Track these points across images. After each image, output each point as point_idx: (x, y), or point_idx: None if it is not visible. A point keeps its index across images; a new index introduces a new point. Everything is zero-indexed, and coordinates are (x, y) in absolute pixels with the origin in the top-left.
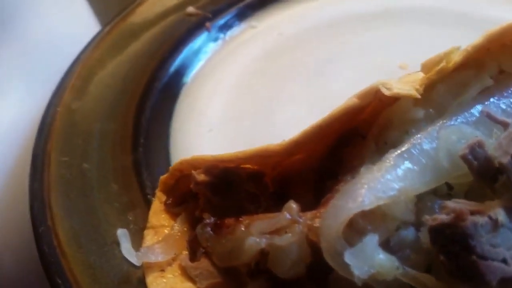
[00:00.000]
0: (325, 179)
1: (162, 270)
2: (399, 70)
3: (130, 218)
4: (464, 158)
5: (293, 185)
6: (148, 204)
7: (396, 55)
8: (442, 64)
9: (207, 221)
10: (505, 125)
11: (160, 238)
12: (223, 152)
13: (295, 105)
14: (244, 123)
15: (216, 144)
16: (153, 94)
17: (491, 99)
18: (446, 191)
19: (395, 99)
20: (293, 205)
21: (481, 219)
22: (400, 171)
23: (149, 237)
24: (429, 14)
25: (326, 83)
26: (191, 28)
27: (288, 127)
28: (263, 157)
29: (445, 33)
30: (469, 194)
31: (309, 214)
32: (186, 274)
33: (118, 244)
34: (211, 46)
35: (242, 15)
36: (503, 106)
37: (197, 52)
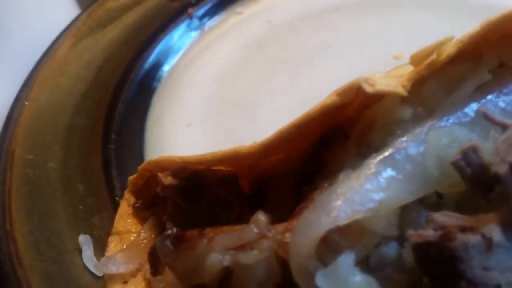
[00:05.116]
0: (305, 182)
1: (125, 282)
2: (393, 61)
3: (96, 223)
4: (455, 164)
5: (272, 188)
6: (116, 207)
7: (391, 44)
8: (433, 57)
9: (168, 232)
10: (504, 127)
11: (124, 246)
12: (203, 148)
13: (282, 97)
14: (226, 117)
15: (195, 140)
16: (128, 86)
17: (489, 97)
18: (435, 200)
19: (381, 96)
20: (261, 217)
21: (473, 238)
22: (381, 180)
23: (113, 244)
24: (427, 0)
25: (316, 74)
26: (172, 15)
27: (274, 121)
28: (235, 159)
29: (444, 21)
30: (461, 204)
31: (279, 227)
32: (151, 286)
33: (80, 251)
34: (193, 35)
35: (226, 1)
36: (502, 105)
37: (177, 41)
